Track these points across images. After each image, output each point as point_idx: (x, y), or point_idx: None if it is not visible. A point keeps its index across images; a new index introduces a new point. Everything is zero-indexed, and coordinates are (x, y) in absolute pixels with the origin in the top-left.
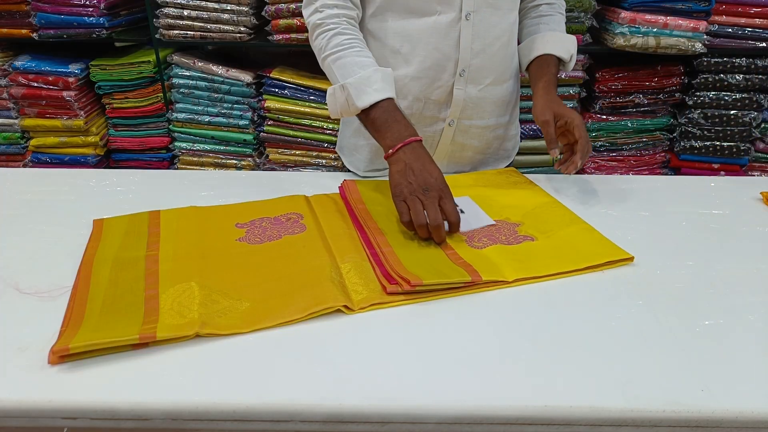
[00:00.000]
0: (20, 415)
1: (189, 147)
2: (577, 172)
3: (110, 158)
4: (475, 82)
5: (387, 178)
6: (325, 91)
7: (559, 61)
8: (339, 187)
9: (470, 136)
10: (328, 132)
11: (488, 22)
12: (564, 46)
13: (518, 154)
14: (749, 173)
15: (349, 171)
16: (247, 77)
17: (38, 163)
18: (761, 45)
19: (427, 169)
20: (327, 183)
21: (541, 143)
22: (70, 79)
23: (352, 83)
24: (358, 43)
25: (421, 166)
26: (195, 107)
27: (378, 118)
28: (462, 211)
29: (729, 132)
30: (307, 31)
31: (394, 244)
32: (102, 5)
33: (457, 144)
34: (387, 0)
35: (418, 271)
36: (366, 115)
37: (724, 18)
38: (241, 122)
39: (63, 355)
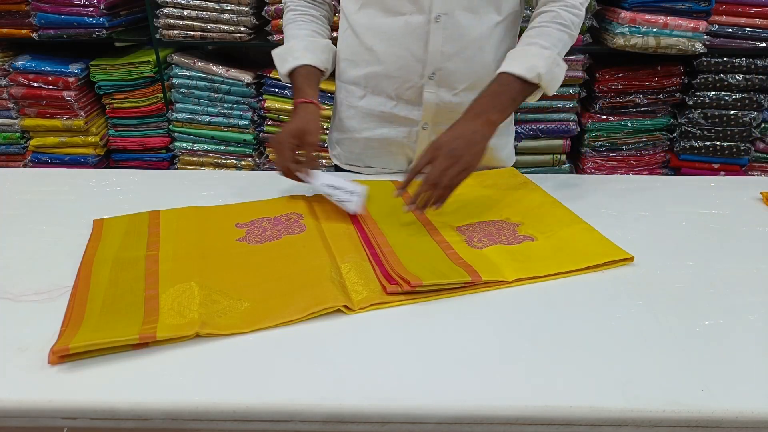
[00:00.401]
0: (20, 415)
1: (189, 147)
2: (575, 172)
3: (110, 158)
4: (448, 86)
5: (368, 177)
6: (324, 92)
7: (526, 82)
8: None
9: None
10: (327, 132)
11: (462, 26)
12: (528, 62)
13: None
14: (749, 173)
15: (334, 165)
16: (247, 77)
17: (38, 163)
18: (761, 45)
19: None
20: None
21: (541, 143)
22: (70, 79)
23: (277, 53)
24: (301, 17)
25: (290, 120)
26: (195, 107)
27: (293, 83)
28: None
29: (729, 132)
30: None
31: (394, 244)
32: (102, 5)
33: None
34: None
35: (418, 272)
36: (290, 80)
37: (724, 18)
38: (241, 122)
39: (63, 355)
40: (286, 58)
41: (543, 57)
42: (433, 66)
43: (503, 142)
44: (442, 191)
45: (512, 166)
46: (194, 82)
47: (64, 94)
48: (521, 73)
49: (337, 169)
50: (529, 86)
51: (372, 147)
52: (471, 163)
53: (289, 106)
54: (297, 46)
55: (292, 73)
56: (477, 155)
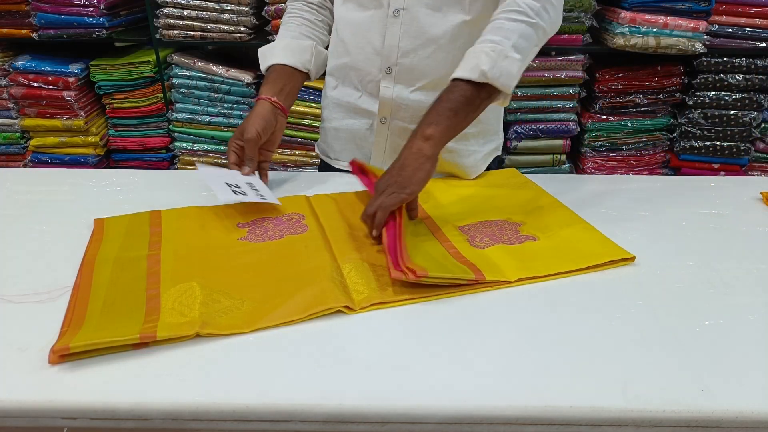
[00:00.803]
0: (20, 415)
1: (189, 147)
2: (575, 172)
3: (110, 158)
4: (405, 82)
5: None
6: (314, 89)
7: (475, 85)
8: (350, 163)
9: None
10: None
11: (422, 22)
12: (470, 62)
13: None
14: (749, 173)
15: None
16: (247, 77)
17: (38, 163)
18: (761, 45)
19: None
20: (327, 183)
21: (541, 143)
22: (70, 79)
23: (262, 51)
24: (294, 20)
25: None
26: (195, 107)
27: (268, 76)
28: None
29: (729, 132)
30: None
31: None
32: (102, 5)
33: (396, 146)
34: None
35: (424, 264)
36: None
37: (724, 18)
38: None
39: (63, 355)
40: (266, 56)
41: (486, 52)
42: (390, 61)
43: (469, 150)
44: (378, 217)
45: (511, 167)
46: (194, 82)
47: (64, 94)
48: (465, 75)
49: (322, 165)
50: (482, 88)
51: (339, 138)
52: (412, 190)
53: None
54: (277, 46)
55: (266, 72)
56: (417, 180)
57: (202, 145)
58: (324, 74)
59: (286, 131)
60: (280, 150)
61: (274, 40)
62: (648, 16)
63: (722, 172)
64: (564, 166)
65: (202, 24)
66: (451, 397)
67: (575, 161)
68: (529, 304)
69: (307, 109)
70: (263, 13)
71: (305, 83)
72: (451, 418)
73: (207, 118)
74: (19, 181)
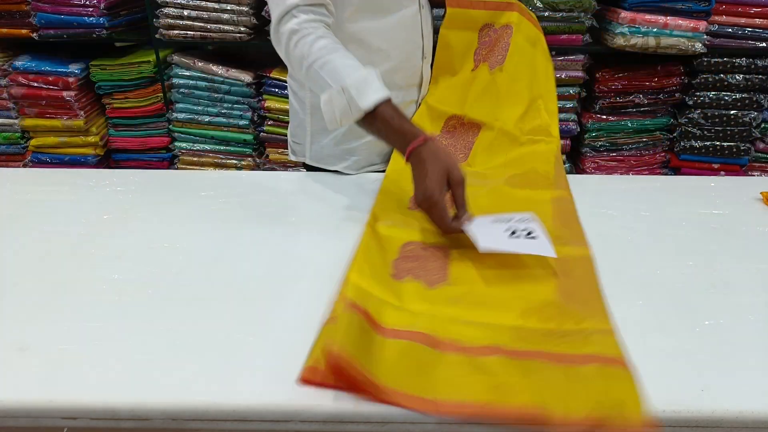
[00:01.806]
0: (20, 415)
1: (189, 147)
2: (575, 172)
3: (110, 158)
4: (428, 59)
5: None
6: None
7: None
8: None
9: None
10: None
11: (428, 9)
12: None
13: None
14: (749, 173)
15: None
16: (247, 77)
17: (38, 163)
18: (761, 45)
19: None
20: (327, 183)
21: None
22: (70, 79)
23: (352, 84)
24: (341, 46)
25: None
26: (195, 107)
27: (387, 116)
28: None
29: (729, 132)
30: None
31: None
32: (102, 5)
33: None
34: (363, 1)
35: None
36: (373, 118)
37: (724, 18)
38: (241, 122)
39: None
40: (365, 90)
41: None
42: (426, 47)
43: None
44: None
45: None
46: (194, 82)
47: (64, 94)
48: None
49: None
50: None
51: (372, 145)
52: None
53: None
54: (371, 77)
55: (379, 106)
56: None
57: (202, 145)
58: None
59: (286, 131)
60: (280, 150)
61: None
62: (648, 16)
63: (722, 172)
64: (564, 166)
65: (202, 24)
66: None
67: (575, 161)
68: None
69: None
70: (263, 13)
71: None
72: (451, 418)
73: (207, 118)
74: (19, 181)
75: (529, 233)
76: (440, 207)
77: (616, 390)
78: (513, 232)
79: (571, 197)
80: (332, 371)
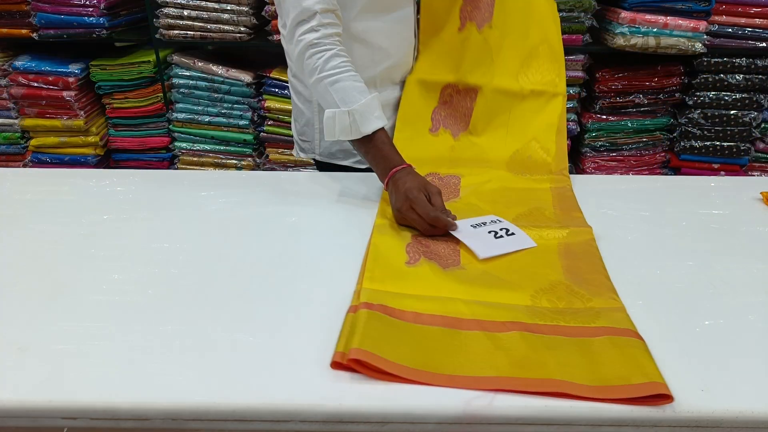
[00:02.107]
0: (20, 415)
1: (189, 147)
2: (575, 172)
3: (110, 158)
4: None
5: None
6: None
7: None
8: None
9: None
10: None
11: (417, 6)
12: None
13: None
14: (749, 173)
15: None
16: (247, 77)
17: (38, 163)
18: (761, 45)
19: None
20: (327, 183)
21: None
22: (70, 79)
23: (358, 110)
24: (352, 67)
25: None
26: (195, 107)
27: (379, 142)
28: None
29: (729, 132)
30: None
31: None
32: (102, 5)
33: None
34: (370, 1)
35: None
36: (368, 141)
37: (724, 18)
38: (241, 122)
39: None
40: (368, 117)
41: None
42: (416, 44)
43: None
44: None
45: None
46: (194, 82)
47: (64, 94)
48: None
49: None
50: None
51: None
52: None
53: (289, 106)
54: (374, 104)
55: (375, 132)
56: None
57: (202, 145)
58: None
59: (286, 131)
60: (280, 150)
61: (274, 40)
62: (648, 16)
63: (722, 172)
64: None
65: (202, 24)
66: (451, 397)
67: (575, 161)
68: None
69: None
70: (263, 13)
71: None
72: (451, 418)
73: (207, 118)
74: (19, 181)
75: (507, 231)
76: (421, 200)
77: (634, 357)
78: (495, 234)
79: (570, 183)
80: (358, 366)
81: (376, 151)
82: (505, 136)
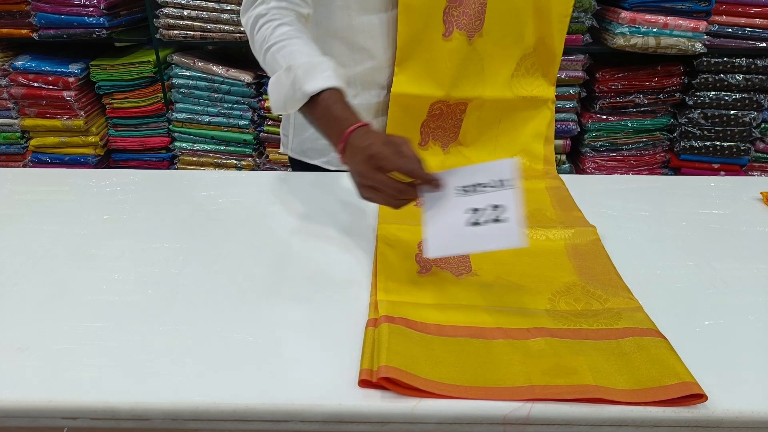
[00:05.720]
0: (20, 415)
1: (189, 147)
2: (575, 172)
3: (110, 158)
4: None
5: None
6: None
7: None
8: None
9: None
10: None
11: None
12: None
13: None
14: (749, 173)
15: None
16: (247, 77)
17: (38, 163)
18: (761, 45)
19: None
20: (326, 183)
21: None
22: (70, 79)
23: (300, 64)
24: (305, 35)
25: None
26: (195, 107)
27: (330, 102)
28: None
29: (729, 132)
30: None
31: None
32: (102, 5)
33: None
34: None
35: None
36: (315, 104)
37: (724, 18)
38: (241, 122)
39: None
40: (313, 75)
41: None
42: (396, 51)
43: None
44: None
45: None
46: (194, 82)
47: (64, 94)
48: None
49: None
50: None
51: None
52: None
53: None
54: (325, 65)
55: (323, 94)
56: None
57: (202, 145)
58: None
59: None
60: (280, 150)
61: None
62: (648, 16)
63: (722, 172)
64: (564, 166)
65: (202, 24)
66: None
67: (575, 161)
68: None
69: None
70: None
71: None
72: (451, 418)
73: (207, 118)
74: (19, 181)
75: (497, 218)
76: (386, 154)
77: (662, 357)
78: (477, 222)
79: (563, 182)
80: (388, 384)
81: (325, 114)
82: (494, 149)
